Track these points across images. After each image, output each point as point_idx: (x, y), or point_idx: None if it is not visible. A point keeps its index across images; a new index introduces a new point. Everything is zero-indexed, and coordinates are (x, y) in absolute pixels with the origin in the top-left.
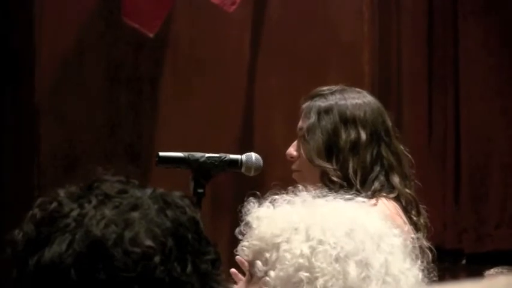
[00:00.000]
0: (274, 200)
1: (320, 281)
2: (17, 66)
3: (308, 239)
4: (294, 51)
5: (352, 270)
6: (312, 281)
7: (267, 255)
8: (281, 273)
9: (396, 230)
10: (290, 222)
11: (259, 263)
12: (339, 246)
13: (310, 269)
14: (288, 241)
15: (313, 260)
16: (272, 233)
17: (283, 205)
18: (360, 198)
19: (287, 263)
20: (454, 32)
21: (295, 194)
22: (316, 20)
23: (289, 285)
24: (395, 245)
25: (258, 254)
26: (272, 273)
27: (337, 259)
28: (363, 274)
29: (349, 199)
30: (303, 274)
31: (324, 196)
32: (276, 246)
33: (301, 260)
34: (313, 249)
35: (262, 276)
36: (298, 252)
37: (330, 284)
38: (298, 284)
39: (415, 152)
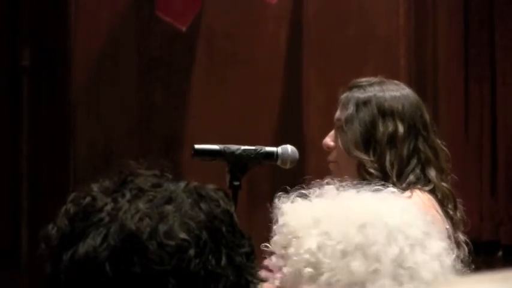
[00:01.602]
0: (301, 194)
1: (324, 277)
2: (53, 62)
3: (318, 234)
4: (330, 45)
5: (359, 264)
6: (316, 276)
7: (283, 251)
8: (290, 269)
9: (421, 220)
10: (304, 218)
11: (274, 258)
12: (346, 240)
13: (316, 264)
14: (299, 237)
15: (320, 255)
16: (287, 229)
17: (303, 200)
18: (389, 189)
19: (295, 258)
20: (491, 24)
21: (322, 187)
22: (352, 14)
23: (297, 282)
24: (413, 236)
25: (277, 250)
26: (284, 269)
27: (344, 254)
28: (372, 268)
29: (377, 190)
30: (308, 270)
31: (350, 188)
32: (289, 242)
33: (307, 256)
34: (320, 245)
35: (278, 272)
36: (306, 247)
37: (334, 279)
38: (305, 280)
39: (451, 144)
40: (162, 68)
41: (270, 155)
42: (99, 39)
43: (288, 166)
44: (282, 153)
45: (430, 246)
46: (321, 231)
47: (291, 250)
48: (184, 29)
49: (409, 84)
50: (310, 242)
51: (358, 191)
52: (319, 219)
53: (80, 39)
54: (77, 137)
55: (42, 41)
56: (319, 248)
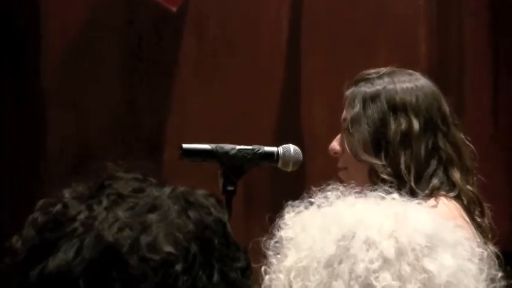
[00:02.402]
0: (309, 203)
1: None
2: (21, 45)
3: (296, 250)
4: (338, 28)
5: (317, 282)
6: None
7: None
8: None
9: (424, 231)
10: (291, 231)
11: (266, 276)
12: (319, 256)
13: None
14: (280, 256)
15: (290, 277)
16: (279, 244)
17: (306, 210)
18: (395, 195)
19: (275, 276)
20: None
21: (324, 195)
22: None
23: None
24: (386, 251)
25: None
26: None
27: (311, 271)
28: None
29: (383, 197)
30: None
31: (349, 196)
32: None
33: (281, 276)
34: (292, 266)
35: None
36: (284, 264)
37: None
38: None
39: (478, 142)
40: (149, 54)
41: (270, 155)
42: (76, 18)
43: (290, 169)
44: (283, 153)
45: (424, 261)
46: (300, 247)
47: (269, 275)
48: (175, 9)
49: (430, 73)
50: (286, 264)
51: (354, 200)
52: (301, 233)
53: (53, 18)
54: (48, 134)
55: (10, 24)
56: (289, 271)
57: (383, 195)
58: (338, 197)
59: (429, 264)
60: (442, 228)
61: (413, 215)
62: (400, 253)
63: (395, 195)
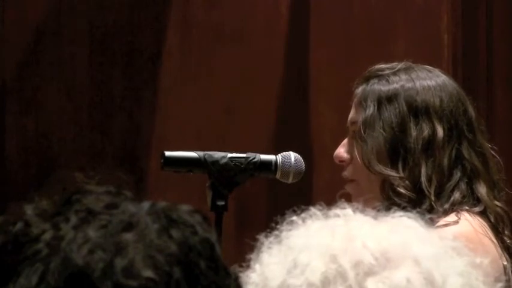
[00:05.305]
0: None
1: None
2: None
3: None
4: (348, 15)
5: None
6: None
7: None
8: None
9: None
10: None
11: None
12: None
13: None
14: None
15: None
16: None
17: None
18: (348, 211)
19: None
20: None
21: (290, 222)
22: None
23: None
24: (311, 275)
25: None
26: None
27: None
28: None
29: (337, 214)
30: None
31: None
32: None
33: None
34: None
35: None
36: None
37: None
38: None
39: (509, 151)
40: (122, 46)
41: (267, 165)
42: (38, 6)
43: (290, 180)
44: (282, 162)
45: (367, 282)
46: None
47: None
48: None
49: (455, 68)
50: None
51: (310, 222)
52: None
53: (11, 5)
54: (8, 137)
55: None
56: None
57: (337, 212)
58: (304, 221)
59: (374, 285)
60: (410, 240)
61: (368, 229)
62: (339, 275)
63: (348, 210)
